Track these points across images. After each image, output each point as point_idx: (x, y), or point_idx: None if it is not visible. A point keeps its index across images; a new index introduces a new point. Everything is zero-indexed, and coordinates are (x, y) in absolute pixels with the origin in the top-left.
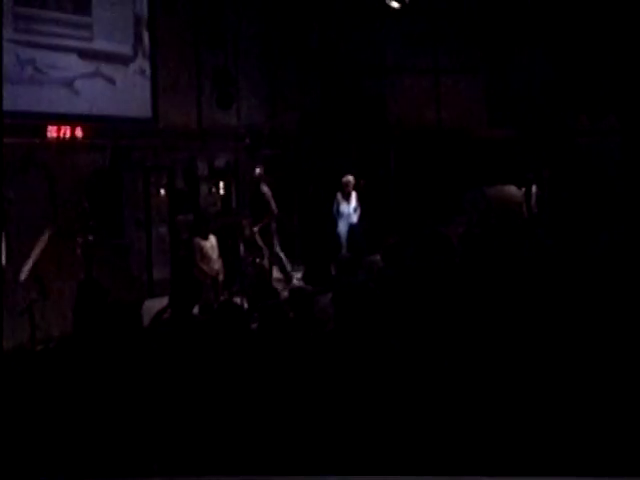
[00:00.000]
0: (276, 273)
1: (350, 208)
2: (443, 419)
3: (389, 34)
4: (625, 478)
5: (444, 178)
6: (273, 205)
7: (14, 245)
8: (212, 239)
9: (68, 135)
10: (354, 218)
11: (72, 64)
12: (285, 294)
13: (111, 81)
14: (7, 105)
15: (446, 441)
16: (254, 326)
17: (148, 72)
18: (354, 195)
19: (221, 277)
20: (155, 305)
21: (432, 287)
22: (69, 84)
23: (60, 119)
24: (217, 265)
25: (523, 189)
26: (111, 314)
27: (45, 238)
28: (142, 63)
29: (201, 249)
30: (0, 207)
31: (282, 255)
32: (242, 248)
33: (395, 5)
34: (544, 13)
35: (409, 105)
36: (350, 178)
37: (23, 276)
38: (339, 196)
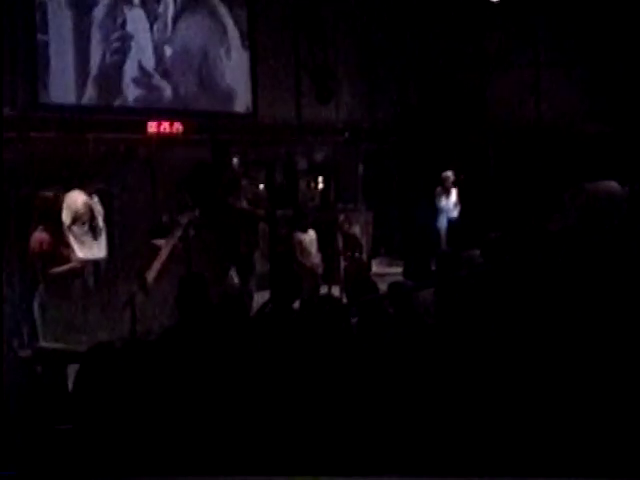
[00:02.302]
0: (376, 268)
1: (450, 203)
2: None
3: (488, 28)
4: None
5: (544, 173)
6: None
7: (116, 239)
8: (311, 233)
9: (168, 130)
10: (454, 213)
11: None
12: (384, 289)
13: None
14: (108, 101)
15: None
16: (353, 321)
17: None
18: (454, 190)
19: (320, 271)
20: (255, 299)
21: (534, 284)
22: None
23: (161, 114)
24: (316, 259)
25: (627, 186)
26: (215, 308)
27: (175, 237)
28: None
29: (300, 243)
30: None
31: None
32: (340, 242)
33: None
34: None
35: (508, 99)
36: (450, 173)
37: (151, 277)
38: (439, 191)
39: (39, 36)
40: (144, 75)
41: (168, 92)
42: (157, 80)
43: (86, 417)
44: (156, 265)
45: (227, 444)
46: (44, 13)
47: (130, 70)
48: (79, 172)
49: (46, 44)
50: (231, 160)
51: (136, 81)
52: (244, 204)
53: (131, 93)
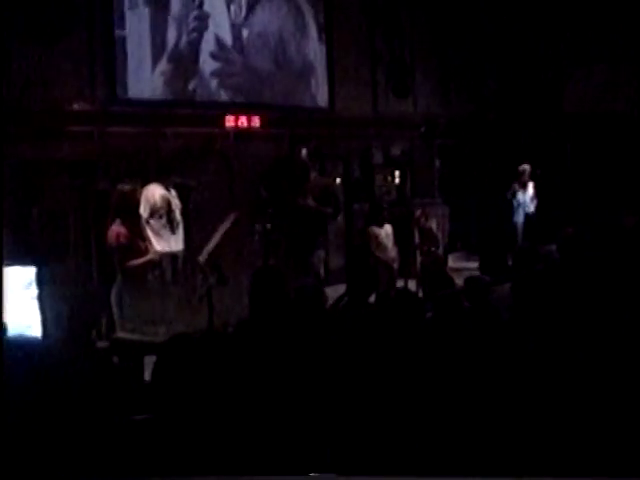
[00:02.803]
0: (452, 262)
1: (527, 197)
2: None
3: (566, 22)
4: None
5: (621, 168)
6: None
7: (194, 232)
8: (387, 228)
9: (245, 124)
10: (531, 207)
11: None
12: (460, 283)
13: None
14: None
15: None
16: (429, 315)
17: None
18: (531, 184)
19: (396, 265)
20: (331, 293)
21: (610, 280)
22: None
23: (238, 108)
24: (393, 253)
25: None
26: (292, 301)
27: (228, 223)
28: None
29: (377, 237)
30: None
31: None
32: (417, 237)
33: None
34: None
35: (586, 94)
36: (527, 167)
37: (202, 259)
38: (515, 185)
39: (117, 32)
40: (221, 50)
41: (244, 73)
42: (234, 56)
43: (163, 408)
44: (210, 245)
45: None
46: (122, 8)
47: (207, 47)
48: (156, 166)
49: (124, 39)
50: (300, 154)
51: (213, 55)
52: (310, 202)
53: (208, 69)
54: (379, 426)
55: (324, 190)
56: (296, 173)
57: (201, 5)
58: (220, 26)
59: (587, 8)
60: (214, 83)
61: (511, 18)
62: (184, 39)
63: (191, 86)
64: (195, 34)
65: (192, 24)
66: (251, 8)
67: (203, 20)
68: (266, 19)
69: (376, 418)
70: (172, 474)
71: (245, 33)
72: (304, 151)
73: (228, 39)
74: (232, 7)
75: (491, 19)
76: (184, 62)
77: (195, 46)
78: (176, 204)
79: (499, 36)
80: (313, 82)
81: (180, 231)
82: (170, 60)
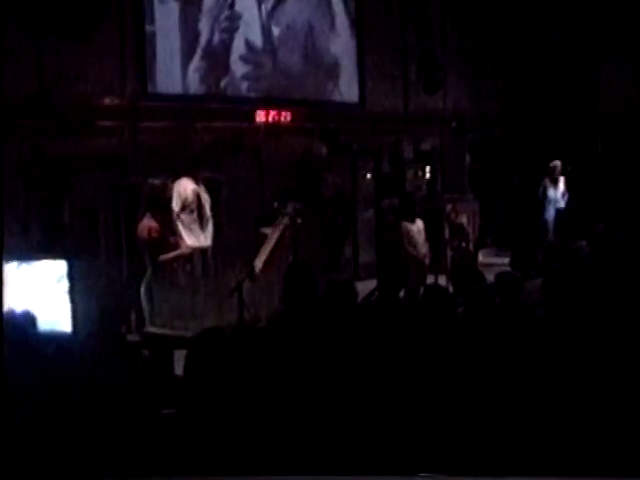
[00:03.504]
0: (482, 258)
1: (558, 193)
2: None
3: (598, 17)
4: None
5: None
6: None
7: (223, 227)
8: (419, 223)
9: (276, 119)
10: (562, 203)
11: None
12: (491, 279)
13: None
14: (215, 80)
15: None
16: (460, 310)
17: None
18: (562, 180)
19: (427, 261)
20: (361, 288)
21: None
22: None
23: (269, 104)
24: (424, 249)
25: None
26: (323, 295)
27: (278, 231)
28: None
29: (408, 232)
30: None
31: None
32: (447, 232)
33: None
34: None
35: (617, 91)
36: (558, 163)
37: (257, 267)
38: (546, 181)
39: (147, 27)
40: (251, 53)
41: (275, 74)
42: (264, 59)
43: (193, 403)
44: (263, 253)
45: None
46: (152, 3)
47: (237, 49)
48: (187, 161)
49: (154, 34)
50: (316, 149)
51: (243, 59)
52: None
53: (238, 71)
54: (411, 420)
55: (338, 194)
56: (311, 167)
57: (232, 5)
58: (250, 26)
59: (619, 3)
60: (244, 85)
61: (544, 13)
62: (216, 37)
63: (223, 84)
64: (226, 34)
65: (223, 24)
66: (281, 2)
67: (234, 21)
68: (296, 14)
69: (407, 412)
70: (199, 470)
71: (275, 30)
72: (321, 146)
73: (258, 40)
74: (262, 5)
75: (523, 15)
76: (217, 60)
77: (227, 45)
78: (206, 199)
79: (531, 32)
80: (343, 77)
81: (210, 226)
82: (203, 57)
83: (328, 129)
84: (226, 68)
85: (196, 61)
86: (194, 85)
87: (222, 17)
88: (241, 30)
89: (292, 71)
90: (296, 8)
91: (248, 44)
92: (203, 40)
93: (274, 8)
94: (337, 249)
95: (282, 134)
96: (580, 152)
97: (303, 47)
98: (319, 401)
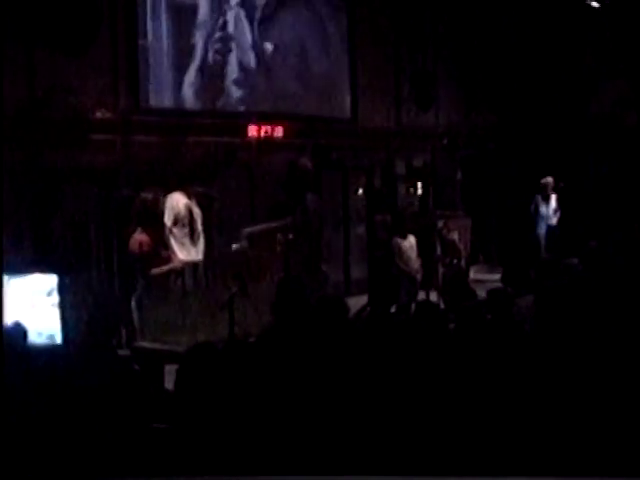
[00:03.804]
0: (474, 274)
1: (550, 210)
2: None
3: (589, 34)
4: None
5: None
6: None
7: (214, 242)
8: (411, 239)
9: (269, 134)
10: (553, 220)
11: None
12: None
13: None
14: (210, 103)
15: None
16: (451, 326)
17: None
18: (554, 197)
19: (419, 277)
20: (353, 304)
21: (635, 293)
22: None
23: (261, 119)
24: (416, 265)
25: None
26: (314, 311)
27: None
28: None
29: (400, 248)
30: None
31: None
32: (439, 249)
33: (595, 5)
34: None
35: (608, 107)
36: (550, 179)
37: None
38: (538, 198)
39: (140, 41)
40: (245, 75)
41: (269, 92)
42: (258, 80)
43: (184, 417)
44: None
45: (324, 446)
46: (144, 18)
47: (231, 71)
48: (179, 175)
49: (146, 49)
50: (300, 163)
51: (238, 82)
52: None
53: (234, 94)
54: (403, 436)
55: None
56: (295, 181)
57: (224, 26)
58: (243, 47)
59: (612, 20)
60: (241, 107)
61: (536, 31)
62: (210, 57)
63: (219, 104)
64: (220, 56)
65: (216, 45)
66: (273, 22)
67: (227, 42)
68: (288, 33)
69: (397, 427)
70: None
71: (268, 50)
72: (304, 160)
73: (252, 62)
74: (254, 25)
75: (515, 31)
76: (212, 81)
77: (221, 66)
78: (197, 213)
79: (523, 48)
80: (336, 93)
81: (201, 241)
82: (198, 74)
83: (320, 145)
84: (221, 90)
85: (191, 76)
86: (189, 100)
87: (215, 38)
88: (234, 52)
89: (286, 88)
90: (288, 26)
91: (241, 65)
92: (197, 56)
93: (266, 28)
94: (313, 267)
95: (274, 149)
96: (572, 169)
97: (296, 65)
98: (311, 415)
